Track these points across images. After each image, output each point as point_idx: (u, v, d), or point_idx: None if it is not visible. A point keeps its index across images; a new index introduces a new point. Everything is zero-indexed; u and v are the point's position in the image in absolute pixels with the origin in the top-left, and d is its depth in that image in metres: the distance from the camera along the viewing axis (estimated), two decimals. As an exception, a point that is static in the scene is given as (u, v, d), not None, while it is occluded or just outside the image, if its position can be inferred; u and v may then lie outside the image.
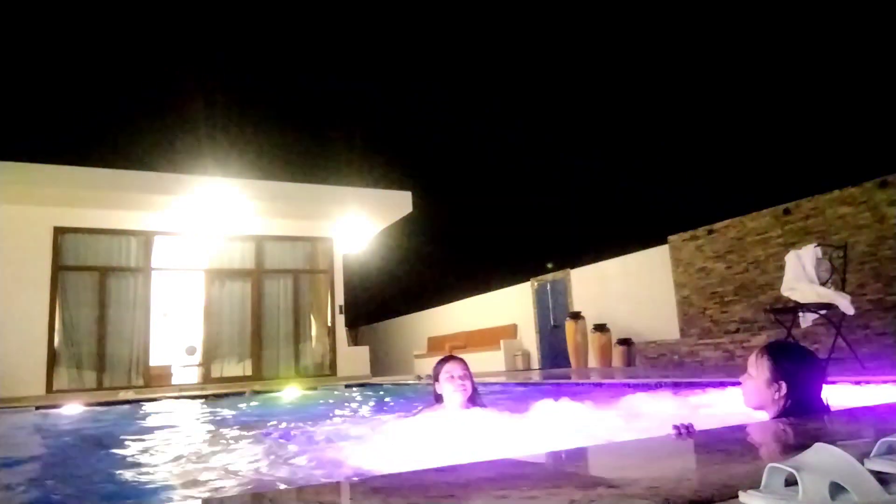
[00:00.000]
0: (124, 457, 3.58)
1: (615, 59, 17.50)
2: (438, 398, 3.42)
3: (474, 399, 3.40)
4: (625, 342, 11.15)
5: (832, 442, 1.05)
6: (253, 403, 7.46)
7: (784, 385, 2.20)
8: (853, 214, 8.14)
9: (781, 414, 2.19)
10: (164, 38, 16.73)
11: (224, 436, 4.39)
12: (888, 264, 7.72)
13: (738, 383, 2.48)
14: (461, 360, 3.48)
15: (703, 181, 15.40)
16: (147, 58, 16.89)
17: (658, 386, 5.13)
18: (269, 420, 5.43)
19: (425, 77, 19.86)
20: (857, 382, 3.58)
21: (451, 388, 3.31)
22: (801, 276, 5.80)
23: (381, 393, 8.02)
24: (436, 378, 3.44)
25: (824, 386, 2.31)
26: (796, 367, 2.25)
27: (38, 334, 10.18)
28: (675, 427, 1.80)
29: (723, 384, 4.28)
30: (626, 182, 17.60)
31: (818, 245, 5.99)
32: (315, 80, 19.57)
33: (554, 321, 13.74)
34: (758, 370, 2.30)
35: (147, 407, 7.29)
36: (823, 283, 5.70)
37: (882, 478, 0.99)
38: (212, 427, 5.42)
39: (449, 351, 15.85)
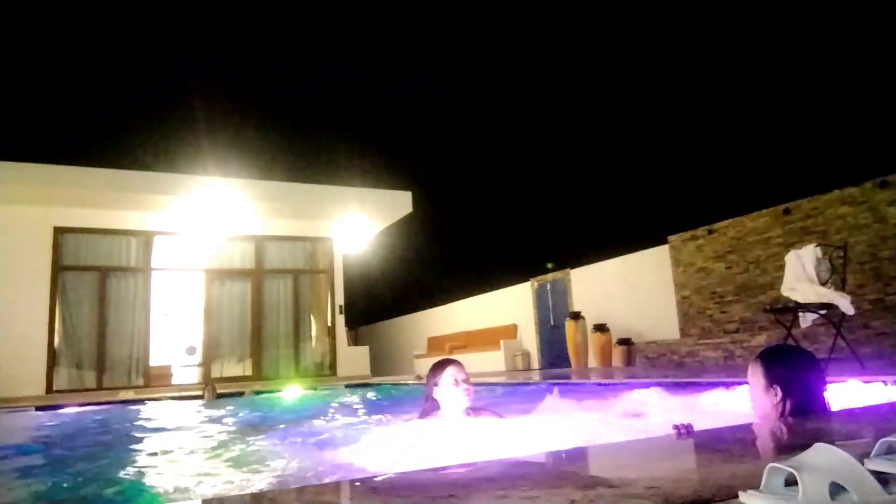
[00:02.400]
0: (124, 457, 3.58)
1: (616, 59, 17.50)
2: (434, 404, 3.19)
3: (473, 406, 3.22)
4: (625, 342, 11.15)
5: (832, 442, 1.05)
6: (253, 403, 7.46)
7: (779, 389, 2.18)
8: (853, 214, 8.14)
9: None
10: (163, 38, 16.72)
11: (224, 436, 4.39)
12: (888, 264, 7.72)
13: (739, 382, 2.48)
14: (462, 364, 3.29)
15: (703, 181, 15.39)
16: (147, 58, 16.89)
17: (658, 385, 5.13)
18: (270, 420, 5.43)
19: (426, 77, 19.86)
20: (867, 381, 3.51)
21: (457, 394, 3.11)
22: (801, 276, 5.80)
23: (380, 393, 8.02)
24: (435, 383, 3.19)
25: (826, 386, 2.28)
26: (789, 370, 2.23)
27: (38, 334, 10.18)
28: (675, 427, 1.80)
29: (723, 384, 4.28)
30: (627, 182, 17.60)
31: (818, 245, 5.99)
32: (315, 79, 19.57)
33: (554, 321, 13.74)
34: (754, 378, 2.28)
35: (147, 407, 7.29)
36: (823, 283, 5.70)
37: (882, 478, 0.99)
38: (212, 427, 5.42)
39: (449, 351, 15.84)
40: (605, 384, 6.27)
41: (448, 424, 3.04)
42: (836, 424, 1.94)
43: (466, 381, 3.16)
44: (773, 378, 2.21)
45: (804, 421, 2.03)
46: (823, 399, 2.23)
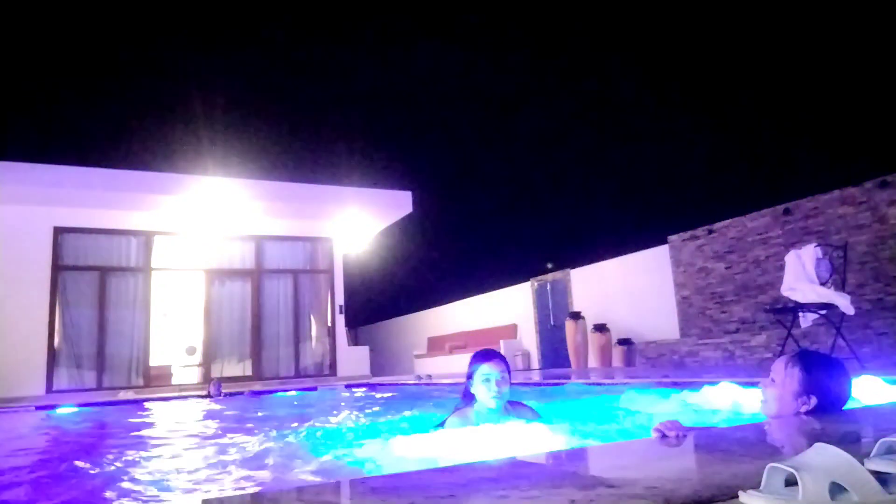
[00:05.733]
0: (124, 457, 3.57)
1: (616, 58, 17.50)
2: (469, 397, 3.01)
3: (509, 401, 3.00)
4: (625, 342, 11.16)
5: (832, 442, 1.05)
6: (253, 403, 7.46)
7: (814, 399, 2.09)
8: (853, 214, 8.14)
9: None
10: (163, 37, 16.73)
11: (224, 436, 4.38)
12: (888, 264, 7.72)
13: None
14: (500, 359, 2.98)
15: (703, 181, 15.39)
16: (147, 57, 16.89)
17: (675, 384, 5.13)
18: (270, 420, 5.43)
19: (426, 77, 19.87)
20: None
21: (486, 394, 2.90)
22: (801, 276, 5.81)
23: (381, 393, 8.02)
24: (469, 375, 3.00)
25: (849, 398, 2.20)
26: (830, 381, 2.13)
27: (38, 334, 10.18)
28: (658, 430, 1.74)
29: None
30: (626, 182, 17.60)
31: (818, 245, 5.99)
32: (315, 79, 19.58)
33: (554, 321, 13.74)
34: (785, 379, 2.16)
35: (147, 407, 7.29)
36: (823, 283, 5.70)
37: (882, 478, 0.99)
38: (211, 427, 5.42)
39: (449, 351, 15.85)
40: (605, 384, 6.27)
41: (473, 435, 2.79)
42: (836, 424, 1.93)
43: (501, 381, 2.91)
44: (811, 386, 2.11)
45: (804, 421, 2.02)
46: (842, 411, 2.15)
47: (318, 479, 2.52)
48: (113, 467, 3.18)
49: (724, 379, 4.00)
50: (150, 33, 16.62)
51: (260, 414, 6.22)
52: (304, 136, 19.62)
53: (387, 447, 2.77)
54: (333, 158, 18.93)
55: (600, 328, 11.53)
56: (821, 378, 2.13)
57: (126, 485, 2.73)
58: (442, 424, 3.08)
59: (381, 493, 1.24)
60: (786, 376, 2.17)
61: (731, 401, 3.28)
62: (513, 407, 3.01)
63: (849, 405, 2.21)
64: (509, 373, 2.98)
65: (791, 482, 0.98)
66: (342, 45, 18.94)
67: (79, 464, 3.41)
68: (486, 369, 2.93)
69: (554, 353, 13.53)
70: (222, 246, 12.00)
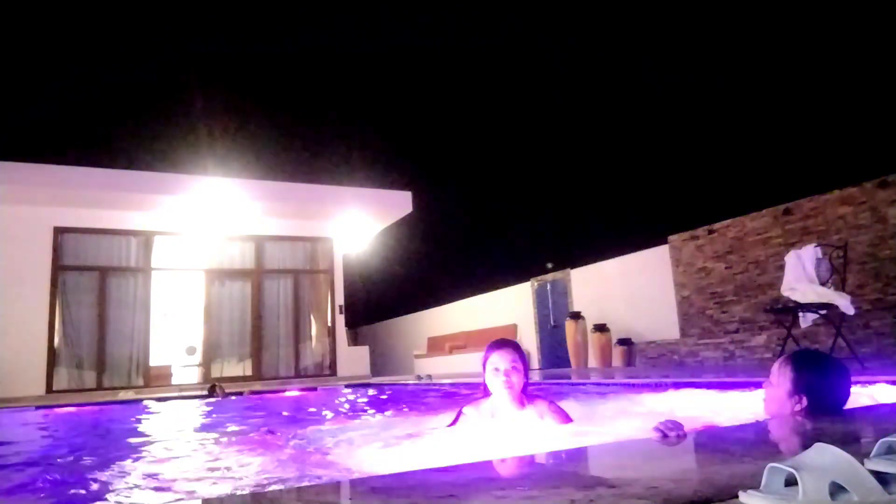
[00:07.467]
0: (123, 457, 3.57)
1: (616, 58, 17.51)
2: (486, 390, 2.99)
3: (527, 393, 2.96)
4: (625, 342, 11.15)
5: (832, 442, 1.05)
6: (252, 403, 7.47)
7: (805, 399, 2.13)
8: (853, 214, 8.14)
9: None
10: (163, 37, 16.74)
11: (224, 436, 4.38)
12: (888, 264, 7.72)
13: (738, 383, 2.44)
14: (511, 348, 2.95)
15: (703, 181, 15.38)
16: (147, 57, 16.90)
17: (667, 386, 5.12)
18: (269, 420, 5.43)
19: (426, 77, 19.88)
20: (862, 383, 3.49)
21: (496, 384, 2.88)
22: (801, 276, 5.81)
23: (381, 393, 8.02)
24: (483, 367, 2.97)
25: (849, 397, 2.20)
26: (820, 380, 2.16)
27: (38, 334, 10.18)
28: (658, 429, 1.74)
29: (723, 384, 4.28)
30: (627, 182, 17.60)
31: (818, 245, 6.00)
32: (316, 79, 19.59)
33: (554, 321, 13.74)
34: (779, 379, 2.21)
35: (147, 407, 7.29)
36: (823, 283, 5.70)
37: (882, 478, 0.99)
38: (211, 427, 5.42)
39: (449, 351, 15.85)
40: (604, 384, 6.27)
41: (484, 432, 2.81)
42: (836, 424, 1.93)
43: (511, 370, 2.86)
44: (801, 386, 2.14)
45: (804, 421, 2.03)
46: (842, 411, 2.17)
47: (318, 480, 2.52)
48: (113, 467, 3.18)
49: (723, 379, 4.00)
50: (150, 33, 16.62)
51: (260, 414, 6.22)
52: (304, 136, 19.62)
53: (390, 444, 2.77)
54: (333, 158, 18.92)
55: (600, 328, 11.53)
56: (810, 378, 2.16)
57: (126, 485, 2.73)
58: (457, 416, 3.07)
59: (381, 493, 1.24)
60: (780, 377, 2.22)
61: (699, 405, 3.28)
62: (530, 401, 2.96)
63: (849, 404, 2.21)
64: (524, 362, 2.93)
65: (791, 482, 0.98)
66: (342, 45, 18.94)
67: (78, 464, 3.41)
68: (495, 359, 2.90)
69: (554, 353, 13.53)
70: (222, 246, 12.00)
